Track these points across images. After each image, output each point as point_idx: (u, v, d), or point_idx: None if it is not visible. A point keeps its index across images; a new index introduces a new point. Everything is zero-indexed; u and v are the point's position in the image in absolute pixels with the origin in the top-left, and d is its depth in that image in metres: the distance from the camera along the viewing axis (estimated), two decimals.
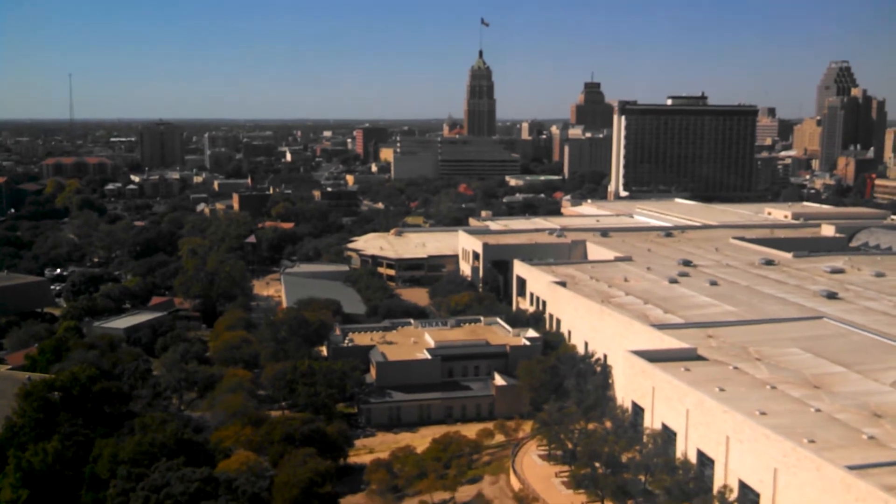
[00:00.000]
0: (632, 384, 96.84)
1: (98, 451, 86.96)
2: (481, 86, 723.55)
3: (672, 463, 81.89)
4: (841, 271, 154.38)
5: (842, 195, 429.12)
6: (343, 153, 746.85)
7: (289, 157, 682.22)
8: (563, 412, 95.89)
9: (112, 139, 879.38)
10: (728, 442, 77.23)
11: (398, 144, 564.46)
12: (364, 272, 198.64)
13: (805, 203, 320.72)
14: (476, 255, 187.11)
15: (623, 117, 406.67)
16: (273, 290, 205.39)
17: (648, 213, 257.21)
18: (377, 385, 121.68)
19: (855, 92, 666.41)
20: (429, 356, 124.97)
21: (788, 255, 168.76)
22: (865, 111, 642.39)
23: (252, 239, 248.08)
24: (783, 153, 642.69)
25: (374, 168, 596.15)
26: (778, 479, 70.45)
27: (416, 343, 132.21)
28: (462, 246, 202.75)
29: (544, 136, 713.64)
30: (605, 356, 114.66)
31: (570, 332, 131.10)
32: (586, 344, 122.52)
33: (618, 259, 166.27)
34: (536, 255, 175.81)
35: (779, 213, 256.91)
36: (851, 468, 64.97)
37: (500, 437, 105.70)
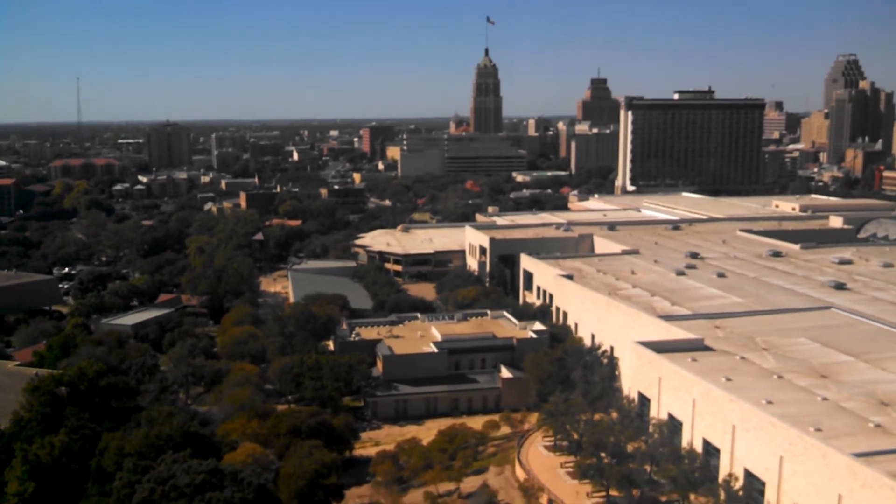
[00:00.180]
0: (638, 375, 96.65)
1: (104, 444, 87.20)
2: (487, 83, 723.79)
3: (678, 452, 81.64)
4: (849, 262, 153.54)
5: (850, 187, 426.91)
6: (350, 152, 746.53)
7: (296, 156, 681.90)
8: (569, 403, 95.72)
9: (120, 141, 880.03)
10: (734, 431, 76.96)
11: (405, 142, 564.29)
12: (371, 268, 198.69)
13: (813, 195, 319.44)
14: (483, 250, 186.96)
15: (630, 112, 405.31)
16: (280, 286, 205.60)
17: (656, 207, 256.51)
18: (384, 378, 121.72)
19: (863, 84, 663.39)
20: (435, 349, 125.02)
21: (796, 247, 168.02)
22: (873, 104, 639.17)
23: (259, 236, 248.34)
24: (791, 146, 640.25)
25: (380, 166, 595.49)
26: (784, 468, 70.21)
27: (422, 337, 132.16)
28: (469, 241, 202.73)
29: (551, 133, 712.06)
30: (612, 348, 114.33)
31: (576, 325, 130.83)
32: (593, 336, 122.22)
33: (625, 252, 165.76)
34: (543, 249, 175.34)
35: (786, 205, 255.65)
36: (858, 455, 64.67)
37: (505, 429, 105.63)
